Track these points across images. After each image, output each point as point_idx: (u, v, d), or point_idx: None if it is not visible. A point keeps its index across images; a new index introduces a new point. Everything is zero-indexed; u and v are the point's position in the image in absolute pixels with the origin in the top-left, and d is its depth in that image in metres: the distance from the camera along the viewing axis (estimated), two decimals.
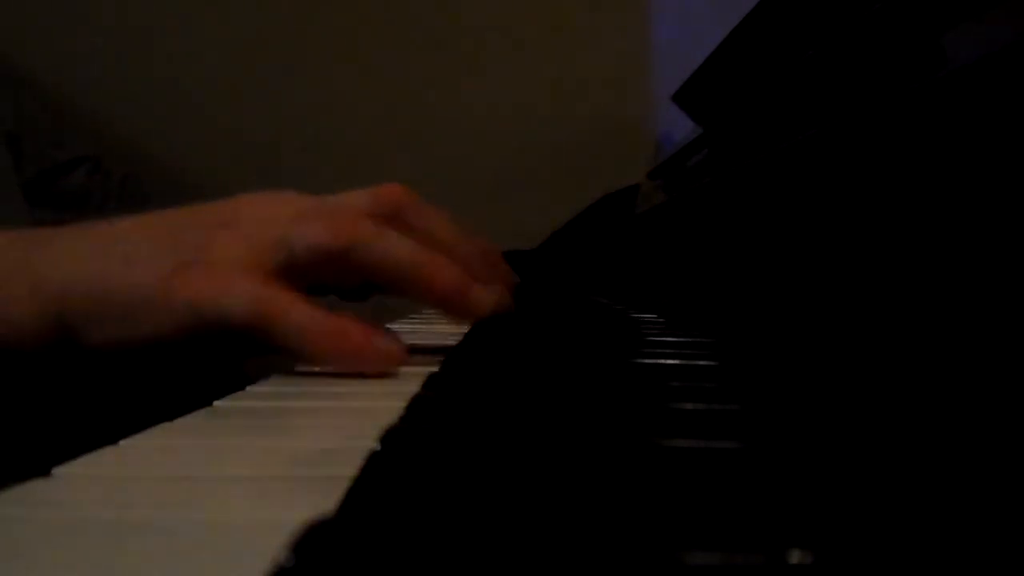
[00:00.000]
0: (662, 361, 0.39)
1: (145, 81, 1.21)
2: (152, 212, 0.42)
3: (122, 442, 0.26)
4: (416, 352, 0.43)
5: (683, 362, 0.39)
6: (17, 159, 0.91)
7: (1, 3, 1.18)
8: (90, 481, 0.22)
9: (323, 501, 0.18)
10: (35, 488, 0.21)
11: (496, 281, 0.46)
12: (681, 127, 0.85)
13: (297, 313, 0.38)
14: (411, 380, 0.34)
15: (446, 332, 0.61)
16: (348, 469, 0.20)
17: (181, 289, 0.38)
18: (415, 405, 0.29)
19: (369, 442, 0.22)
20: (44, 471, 0.22)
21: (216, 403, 0.33)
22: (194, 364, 0.58)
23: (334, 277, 0.42)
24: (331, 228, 0.40)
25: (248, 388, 0.36)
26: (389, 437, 0.23)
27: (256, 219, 0.41)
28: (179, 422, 0.29)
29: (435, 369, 0.37)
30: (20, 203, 0.87)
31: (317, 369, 0.43)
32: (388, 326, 0.62)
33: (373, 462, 0.21)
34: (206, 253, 0.39)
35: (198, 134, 1.21)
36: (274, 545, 0.15)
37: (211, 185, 1.21)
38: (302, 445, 0.27)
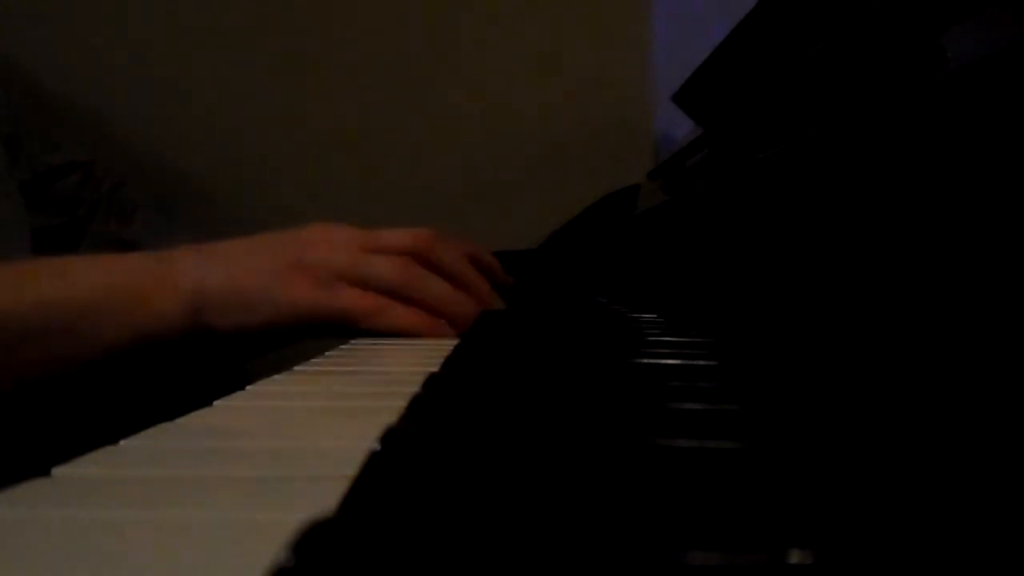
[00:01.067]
0: (662, 361, 0.39)
1: (139, 88, 1.20)
2: (247, 236, 0.57)
3: (122, 442, 0.26)
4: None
5: (683, 362, 0.39)
6: (13, 162, 0.90)
7: None
8: (90, 481, 0.22)
9: (323, 501, 0.18)
10: (35, 488, 0.21)
11: (493, 291, 0.63)
12: (681, 127, 0.85)
13: (390, 310, 0.54)
14: (411, 380, 0.34)
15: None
16: (348, 469, 0.20)
17: (297, 290, 0.53)
18: (415, 405, 0.29)
19: (369, 442, 0.22)
20: (44, 471, 0.22)
21: (216, 403, 0.33)
22: (194, 364, 0.64)
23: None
24: (396, 268, 0.56)
25: (248, 388, 0.36)
26: (389, 437, 0.23)
27: (330, 244, 0.56)
28: (179, 422, 0.29)
29: (435, 369, 0.37)
30: (19, 205, 0.87)
31: (316, 369, 0.43)
32: None
33: (373, 462, 0.21)
34: (297, 266, 0.54)
35: (190, 141, 1.21)
36: (274, 545, 0.15)
37: (205, 193, 1.21)
38: (302, 445, 0.27)
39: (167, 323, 0.53)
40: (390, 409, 0.28)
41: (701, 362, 0.39)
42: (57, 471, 0.22)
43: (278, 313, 0.54)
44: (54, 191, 0.97)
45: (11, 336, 0.50)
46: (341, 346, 0.53)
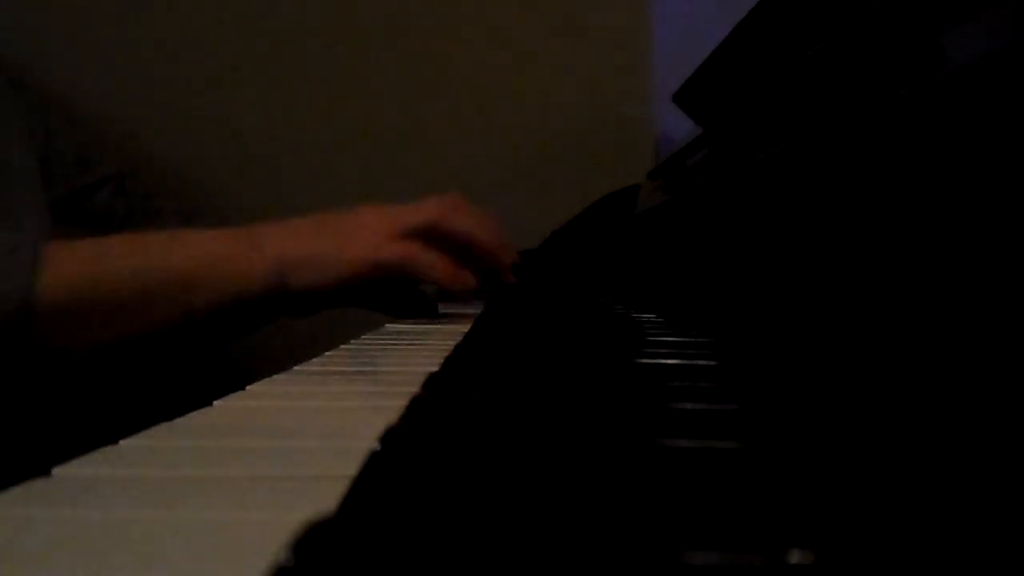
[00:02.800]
0: (662, 361, 0.39)
1: (161, 101, 1.22)
2: (316, 214, 0.70)
3: (122, 442, 0.26)
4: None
5: (683, 362, 0.39)
6: (47, 180, 0.93)
7: (28, 28, 1.19)
8: (90, 481, 0.22)
9: (323, 501, 0.18)
10: (35, 488, 0.21)
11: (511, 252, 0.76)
12: (681, 127, 0.85)
13: (426, 254, 0.68)
14: (412, 380, 0.34)
15: (456, 331, 0.61)
16: (348, 469, 0.20)
17: (351, 250, 0.67)
18: (415, 405, 0.29)
19: (369, 442, 0.22)
20: (44, 471, 0.22)
21: (216, 403, 0.33)
22: (194, 357, 0.70)
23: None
24: (430, 211, 0.70)
25: (248, 388, 0.36)
26: (389, 437, 0.23)
27: (377, 215, 0.69)
28: (179, 422, 0.29)
29: (435, 369, 0.37)
30: (47, 222, 0.90)
31: (316, 369, 0.43)
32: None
33: (373, 462, 0.21)
34: (358, 231, 0.68)
35: (207, 148, 1.22)
36: (274, 545, 0.15)
37: (220, 197, 1.22)
38: (302, 445, 0.27)
39: (258, 284, 0.66)
40: (390, 409, 0.28)
41: (701, 362, 0.39)
42: (57, 471, 0.22)
43: (341, 272, 0.67)
44: (89, 207, 1.00)
45: (149, 293, 0.63)
46: (342, 345, 0.53)
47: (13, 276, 0.60)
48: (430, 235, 0.69)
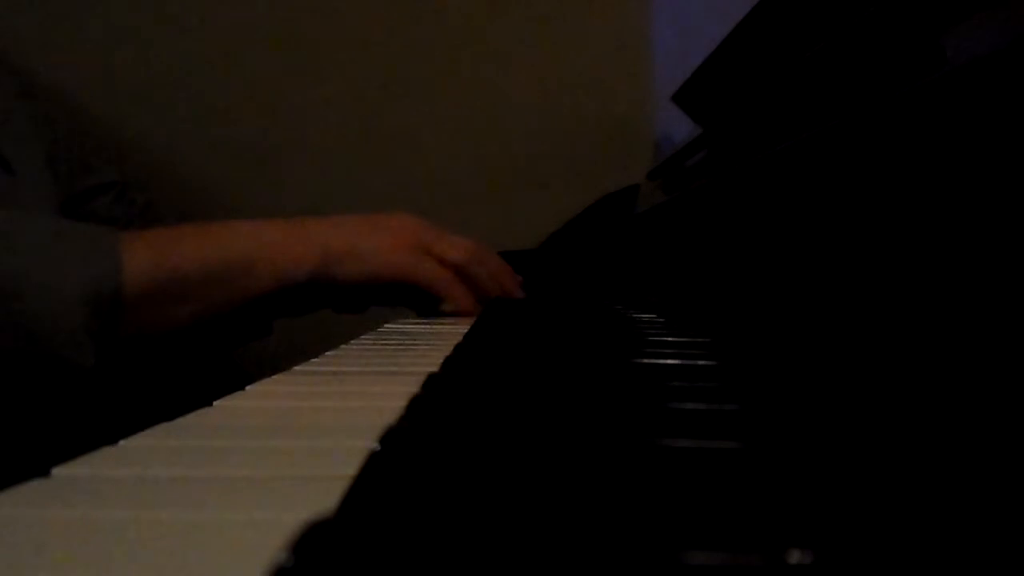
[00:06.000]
0: (662, 361, 0.39)
1: (161, 110, 1.22)
2: (358, 214, 0.76)
3: (122, 442, 0.26)
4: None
5: (683, 362, 0.39)
6: (54, 183, 0.93)
7: (32, 30, 1.20)
8: (90, 481, 0.22)
9: (323, 501, 0.18)
10: (35, 488, 0.21)
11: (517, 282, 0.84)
12: (681, 127, 0.85)
13: (458, 289, 0.76)
14: (411, 380, 0.34)
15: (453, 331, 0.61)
16: (348, 469, 0.20)
17: (396, 254, 0.74)
18: (415, 405, 0.29)
19: (369, 442, 0.22)
20: (44, 471, 0.22)
21: (216, 403, 0.33)
22: (195, 358, 0.71)
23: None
24: (462, 253, 0.77)
25: (247, 388, 0.36)
26: (389, 437, 0.23)
27: (410, 227, 0.76)
28: (179, 422, 0.29)
29: (435, 369, 0.37)
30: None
31: (316, 369, 0.43)
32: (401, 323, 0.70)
33: (373, 462, 0.21)
34: (396, 238, 0.74)
35: (207, 148, 1.22)
36: (274, 545, 0.15)
37: (220, 202, 1.22)
38: (301, 445, 0.27)
39: (303, 272, 0.71)
40: (390, 409, 0.28)
41: (701, 362, 0.39)
42: (57, 471, 0.22)
43: (380, 271, 0.73)
44: (89, 211, 1.00)
45: (215, 277, 0.69)
46: (342, 345, 0.53)
47: (102, 263, 0.63)
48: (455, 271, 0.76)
